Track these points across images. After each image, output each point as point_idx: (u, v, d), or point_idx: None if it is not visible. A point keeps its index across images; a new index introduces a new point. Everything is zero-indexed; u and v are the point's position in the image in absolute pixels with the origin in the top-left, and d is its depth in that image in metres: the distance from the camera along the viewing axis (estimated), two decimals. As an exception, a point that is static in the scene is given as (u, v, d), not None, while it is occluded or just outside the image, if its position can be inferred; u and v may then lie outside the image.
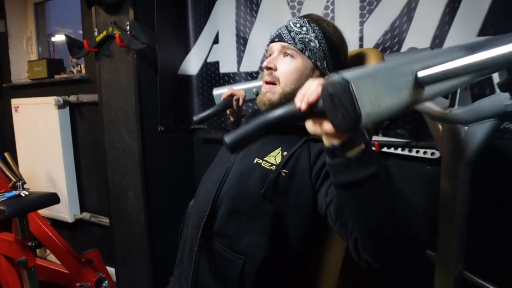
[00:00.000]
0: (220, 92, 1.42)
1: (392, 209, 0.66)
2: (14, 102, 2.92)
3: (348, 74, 0.55)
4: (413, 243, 0.69)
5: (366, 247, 0.72)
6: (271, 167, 0.96)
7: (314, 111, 0.63)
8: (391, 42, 1.66)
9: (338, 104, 0.56)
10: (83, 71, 2.76)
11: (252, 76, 2.05)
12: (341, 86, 0.54)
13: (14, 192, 1.96)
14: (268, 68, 1.04)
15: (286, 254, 0.97)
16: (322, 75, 1.03)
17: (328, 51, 1.02)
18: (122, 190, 2.21)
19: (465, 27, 1.52)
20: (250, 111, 1.92)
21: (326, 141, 0.66)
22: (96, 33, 2.10)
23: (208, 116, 1.31)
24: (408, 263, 0.71)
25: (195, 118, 1.32)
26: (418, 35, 1.61)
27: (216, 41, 2.17)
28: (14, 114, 2.92)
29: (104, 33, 2.04)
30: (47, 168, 2.80)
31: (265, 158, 0.99)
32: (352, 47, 1.71)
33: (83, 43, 2.11)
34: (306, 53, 1.01)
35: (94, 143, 2.66)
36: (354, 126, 0.55)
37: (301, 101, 0.63)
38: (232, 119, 1.37)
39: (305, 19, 1.04)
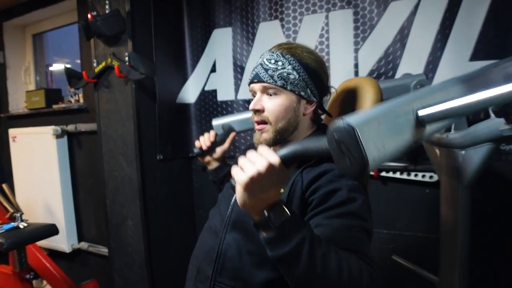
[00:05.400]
0: (219, 123, 1.43)
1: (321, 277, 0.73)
2: (12, 132, 2.91)
3: (353, 119, 0.56)
4: None
5: None
6: None
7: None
8: (385, 68, 1.70)
9: (345, 150, 0.57)
10: (81, 100, 2.77)
11: (249, 103, 2.06)
12: (347, 132, 0.55)
13: (13, 224, 1.94)
14: (256, 111, 1.05)
15: None
16: (309, 102, 1.04)
17: (309, 78, 1.02)
18: (121, 219, 2.19)
19: (457, 52, 1.57)
20: (243, 147, 1.86)
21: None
22: (95, 64, 2.13)
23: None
24: None
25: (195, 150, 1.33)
26: (412, 61, 1.65)
27: (213, 69, 2.20)
28: (12, 144, 2.91)
29: (103, 64, 2.07)
30: (44, 197, 2.77)
31: None
32: (347, 73, 1.76)
33: (82, 74, 2.14)
34: (288, 87, 1.00)
35: (92, 172, 2.65)
36: (362, 172, 0.56)
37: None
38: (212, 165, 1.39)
39: (277, 52, 1.03)
